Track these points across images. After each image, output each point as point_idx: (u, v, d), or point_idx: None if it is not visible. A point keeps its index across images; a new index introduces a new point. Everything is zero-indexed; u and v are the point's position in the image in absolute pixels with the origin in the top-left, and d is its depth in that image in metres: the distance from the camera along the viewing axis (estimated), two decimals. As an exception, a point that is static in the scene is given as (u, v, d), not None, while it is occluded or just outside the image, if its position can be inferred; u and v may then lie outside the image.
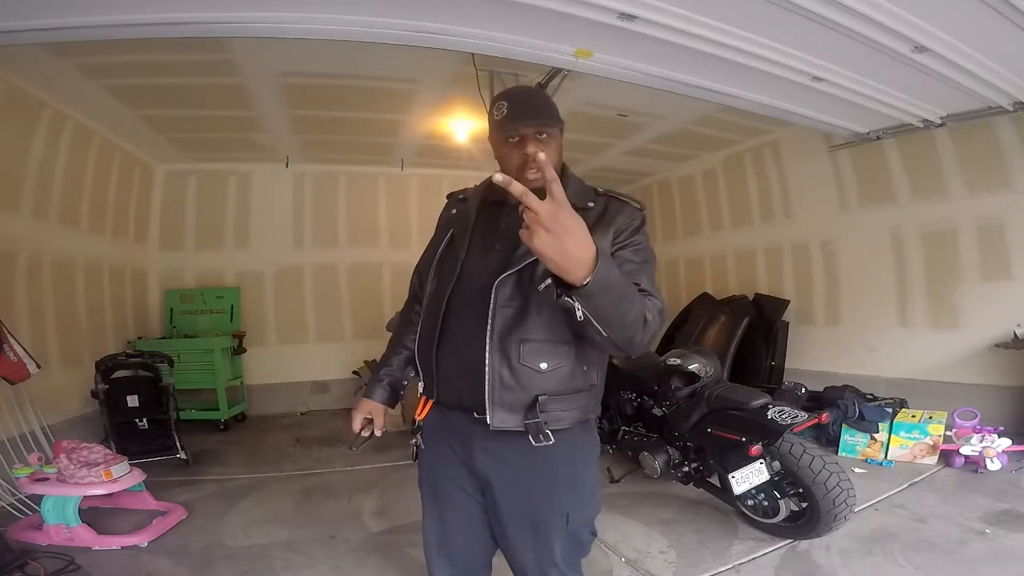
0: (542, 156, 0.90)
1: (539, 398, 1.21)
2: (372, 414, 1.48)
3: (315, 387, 6.05)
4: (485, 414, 1.23)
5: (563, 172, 1.35)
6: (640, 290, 1.09)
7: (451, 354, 1.29)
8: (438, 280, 1.35)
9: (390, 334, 1.62)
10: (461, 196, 1.46)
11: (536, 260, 1.14)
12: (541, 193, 0.91)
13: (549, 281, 0.98)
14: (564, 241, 0.86)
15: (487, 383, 1.20)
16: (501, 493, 1.30)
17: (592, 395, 1.31)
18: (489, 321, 1.20)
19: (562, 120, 1.30)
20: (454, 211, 1.43)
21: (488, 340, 1.19)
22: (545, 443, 1.21)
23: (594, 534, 1.40)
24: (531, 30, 2.55)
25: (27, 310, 3.70)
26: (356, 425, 1.47)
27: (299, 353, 6.00)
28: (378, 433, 1.48)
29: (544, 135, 1.24)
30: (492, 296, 1.20)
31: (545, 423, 1.20)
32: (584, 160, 5.87)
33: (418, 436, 1.40)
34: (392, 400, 1.49)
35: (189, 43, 2.90)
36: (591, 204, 1.27)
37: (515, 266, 1.20)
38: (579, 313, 0.93)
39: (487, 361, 1.19)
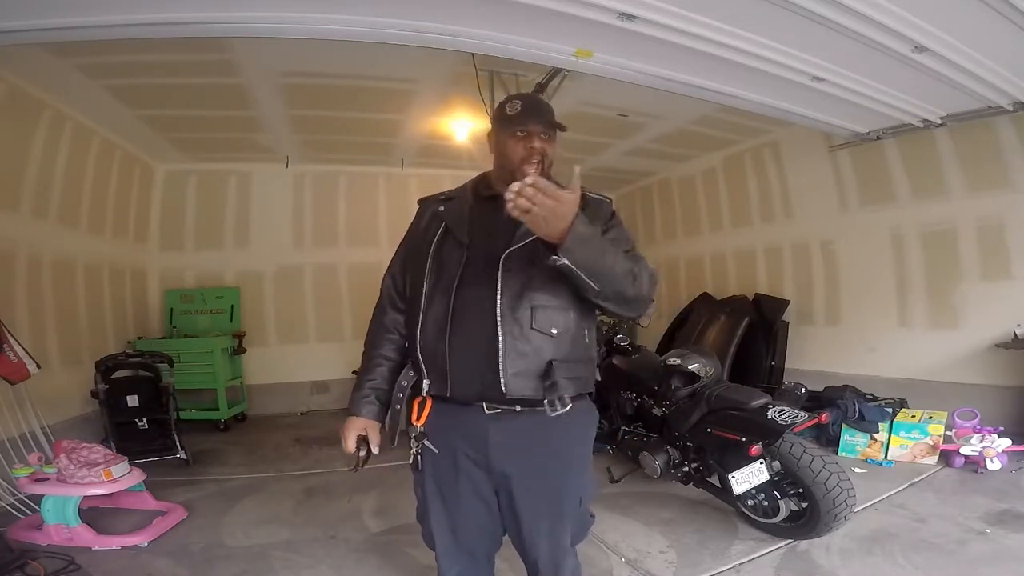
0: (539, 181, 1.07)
1: (552, 363, 1.28)
2: (366, 431, 1.42)
3: (315, 387, 6.05)
4: (497, 406, 1.29)
5: (548, 176, 1.44)
6: (629, 253, 1.30)
7: (467, 341, 1.29)
8: (439, 272, 1.35)
9: None
10: (443, 196, 1.49)
11: (537, 237, 1.23)
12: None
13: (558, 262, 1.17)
14: (555, 211, 1.07)
15: (500, 350, 1.25)
16: (519, 486, 1.34)
17: (591, 368, 1.40)
18: (498, 292, 1.26)
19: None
20: (442, 208, 1.44)
21: (498, 309, 1.26)
22: (562, 410, 1.28)
23: (593, 516, 1.49)
24: (531, 30, 2.55)
25: (27, 310, 3.70)
26: (350, 446, 1.40)
27: (299, 353, 6.01)
28: (375, 451, 1.42)
29: (547, 136, 1.36)
30: (499, 269, 1.27)
31: (557, 388, 1.27)
32: (584, 160, 5.86)
33: (422, 442, 1.37)
34: (382, 415, 1.42)
35: (189, 43, 2.90)
36: None
37: (517, 243, 1.29)
38: (563, 262, 1.10)
39: (499, 329, 1.25)
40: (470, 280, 1.31)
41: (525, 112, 1.35)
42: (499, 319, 1.25)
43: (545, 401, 1.27)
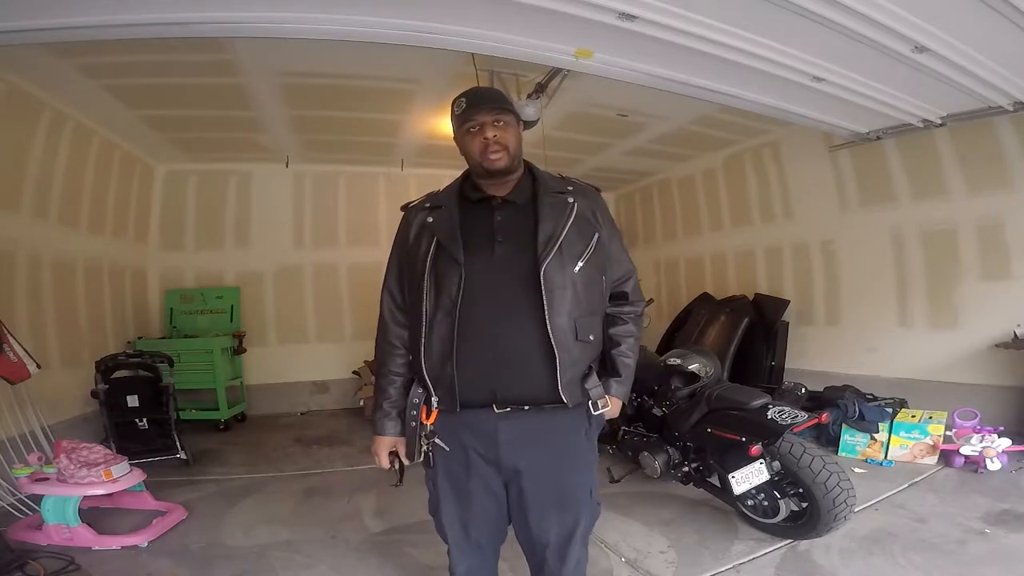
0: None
1: (591, 367, 1.37)
2: (395, 446, 1.47)
3: (315, 387, 6.05)
4: (507, 406, 1.32)
5: (528, 168, 1.47)
6: (622, 277, 1.52)
7: (482, 353, 1.30)
8: (438, 288, 1.34)
9: None
10: (428, 204, 1.46)
11: (563, 243, 1.33)
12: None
13: (582, 264, 1.35)
14: None
15: (558, 364, 1.29)
16: (530, 481, 1.37)
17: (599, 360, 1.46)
18: (545, 306, 1.29)
19: (517, 112, 1.43)
20: (430, 219, 1.41)
21: (549, 323, 1.28)
22: (603, 409, 1.37)
23: (599, 504, 1.53)
24: (531, 30, 2.55)
25: (27, 310, 3.70)
26: (385, 463, 1.47)
27: (299, 353, 6.01)
28: (407, 461, 1.48)
29: (500, 122, 1.37)
30: (541, 282, 1.29)
31: (598, 389, 1.37)
32: (584, 160, 5.87)
33: (434, 440, 1.39)
34: (404, 430, 1.46)
35: (189, 43, 2.91)
36: (570, 188, 1.44)
37: (550, 252, 1.31)
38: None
39: (554, 343, 1.28)
40: (481, 296, 1.31)
41: (470, 106, 1.37)
42: (550, 332, 1.28)
43: (590, 403, 1.35)
